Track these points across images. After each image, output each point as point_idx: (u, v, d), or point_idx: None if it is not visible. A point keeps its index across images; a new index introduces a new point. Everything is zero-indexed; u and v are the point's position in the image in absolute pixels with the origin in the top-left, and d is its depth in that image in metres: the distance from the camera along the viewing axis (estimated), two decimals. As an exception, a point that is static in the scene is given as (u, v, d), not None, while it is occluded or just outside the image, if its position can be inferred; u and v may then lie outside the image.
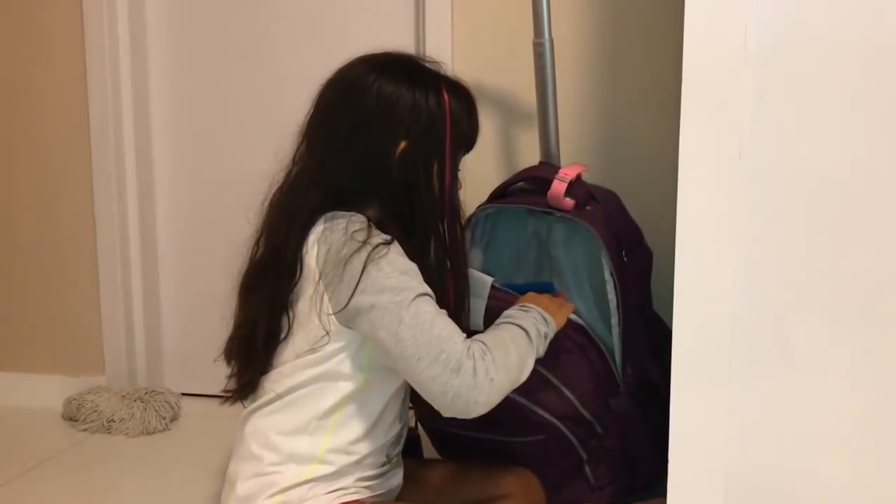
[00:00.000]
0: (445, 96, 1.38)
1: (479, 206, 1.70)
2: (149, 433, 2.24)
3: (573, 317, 1.57)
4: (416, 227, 1.38)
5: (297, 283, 1.35)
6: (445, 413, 1.29)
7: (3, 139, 2.42)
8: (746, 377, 1.28)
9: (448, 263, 1.41)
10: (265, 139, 2.32)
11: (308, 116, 1.42)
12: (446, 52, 2.11)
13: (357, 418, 1.38)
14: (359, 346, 1.35)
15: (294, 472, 1.36)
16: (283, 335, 1.38)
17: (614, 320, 1.61)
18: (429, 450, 1.72)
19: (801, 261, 1.25)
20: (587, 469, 1.63)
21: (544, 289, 1.56)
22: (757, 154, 1.23)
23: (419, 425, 1.66)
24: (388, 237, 1.33)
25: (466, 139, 1.44)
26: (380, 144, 1.36)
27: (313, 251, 1.34)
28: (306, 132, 1.41)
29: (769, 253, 1.26)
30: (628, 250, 1.66)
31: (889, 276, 1.23)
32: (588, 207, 1.63)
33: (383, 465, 1.43)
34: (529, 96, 1.81)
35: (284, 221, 1.38)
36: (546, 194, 1.60)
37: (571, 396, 1.55)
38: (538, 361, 1.43)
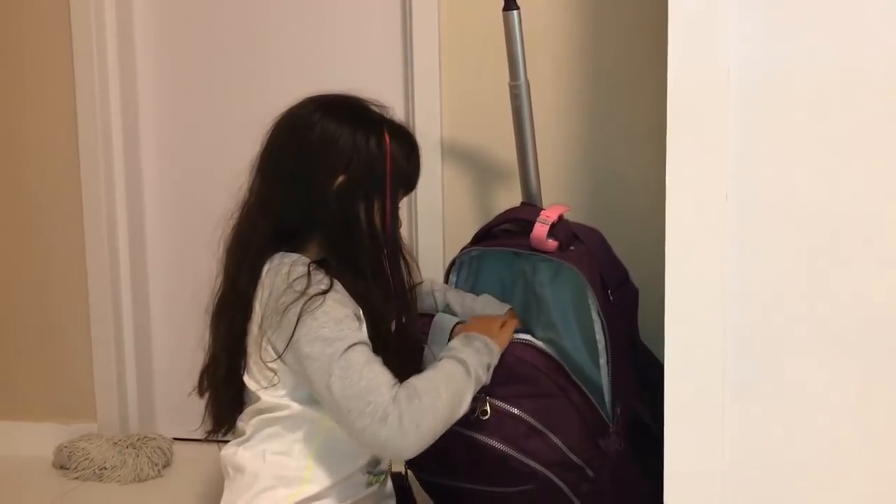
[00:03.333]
0: (387, 138, 1.44)
1: (463, 249, 1.70)
2: (141, 480, 2.22)
3: (552, 353, 1.58)
4: (357, 262, 1.43)
5: (249, 320, 1.43)
6: (381, 457, 1.40)
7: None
8: (740, 414, 1.28)
9: (393, 296, 1.46)
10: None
11: (259, 153, 1.48)
12: (434, 95, 2.12)
13: (334, 439, 1.42)
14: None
15: (283, 495, 1.41)
16: (242, 371, 1.45)
17: (602, 360, 1.60)
18: (422, 497, 1.71)
19: (792, 295, 1.26)
20: (582, 515, 1.62)
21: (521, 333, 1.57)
22: (744, 191, 1.24)
23: (408, 474, 1.66)
24: (326, 284, 1.38)
25: (406, 180, 1.51)
26: (319, 178, 1.42)
27: (258, 292, 1.42)
28: (258, 167, 1.48)
29: (759, 290, 1.26)
30: (614, 289, 1.65)
31: (882, 307, 1.23)
32: (572, 248, 1.63)
33: (369, 484, 1.47)
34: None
35: (238, 255, 1.46)
36: (529, 236, 1.60)
37: (558, 441, 1.53)
38: (523, 409, 1.47)
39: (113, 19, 2.33)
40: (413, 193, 2.14)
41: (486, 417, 1.50)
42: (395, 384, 1.34)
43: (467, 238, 1.75)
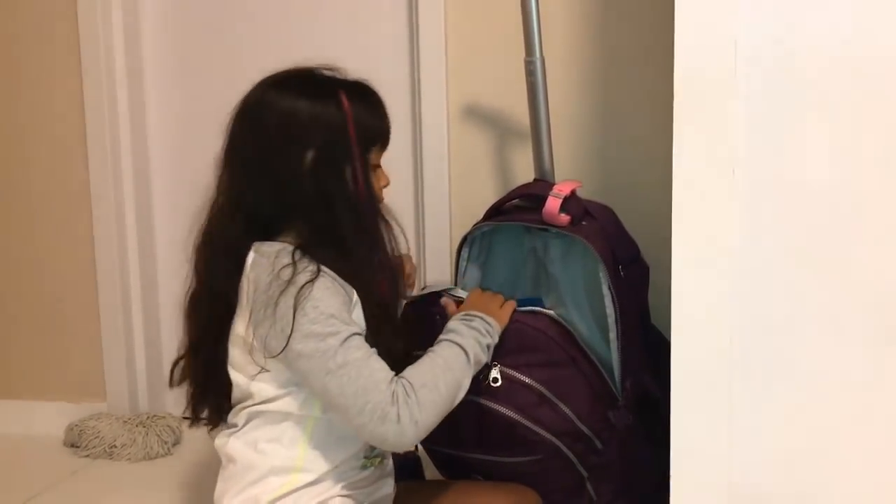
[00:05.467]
0: (343, 99, 1.38)
1: (476, 224, 1.71)
2: (151, 458, 2.23)
3: (564, 323, 1.58)
4: (341, 238, 1.37)
5: (234, 313, 1.38)
6: (382, 448, 1.38)
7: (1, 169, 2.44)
8: (747, 392, 1.28)
9: (378, 267, 1.41)
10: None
11: (222, 147, 1.43)
12: (440, 71, 2.12)
13: (326, 427, 1.39)
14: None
15: (276, 484, 1.38)
16: (230, 361, 1.41)
17: (612, 334, 1.60)
18: (431, 472, 1.72)
19: (799, 273, 1.25)
20: (589, 486, 1.62)
21: (533, 303, 1.57)
22: (752, 168, 1.23)
23: (419, 447, 1.66)
24: (313, 270, 1.33)
25: (376, 135, 1.43)
26: (287, 161, 1.37)
27: (244, 286, 1.37)
28: (223, 162, 1.43)
29: (766, 267, 1.26)
30: (625, 265, 1.65)
31: (889, 286, 1.22)
32: (584, 223, 1.63)
33: (364, 467, 1.44)
34: (524, 114, 1.81)
35: (210, 252, 1.41)
36: (541, 211, 1.60)
37: (568, 411, 1.54)
38: (534, 378, 1.48)
39: (119, 12, 2.34)
40: (419, 174, 2.16)
41: (498, 385, 1.50)
42: (392, 379, 1.31)
43: (475, 216, 1.76)
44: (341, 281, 1.36)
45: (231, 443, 1.43)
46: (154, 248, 2.46)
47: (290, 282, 1.31)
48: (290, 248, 1.36)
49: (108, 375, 2.40)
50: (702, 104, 1.22)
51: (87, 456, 2.25)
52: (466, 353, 1.39)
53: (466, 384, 1.39)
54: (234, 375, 1.41)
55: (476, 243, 1.72)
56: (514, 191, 1.73)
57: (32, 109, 2.39)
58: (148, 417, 2.31)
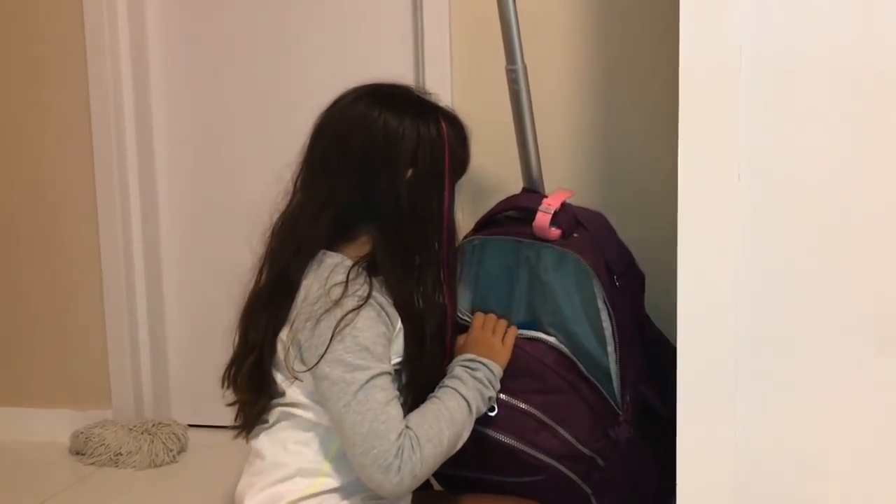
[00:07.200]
0: (444, 126, 1.44)
1: (465, 237, 1.67)
2: (156, 466, 2.25)
3: (563, 349, 1.57)
4: (417, 251, 1.43)
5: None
6: (376, 492, 1.37)
7: (7, 181, 2.45)
8: (752, 395, 1.28)
9: (445, 283, 1.46)
10: (271, 174, 2.33)
11: (310, 147, 1.46)
12: (445, 78, 2.11)
13: None
14: None
15: (301, 485, 1.41)
16: (271, 364, 1.43)
17: (610, 347, 1.58)
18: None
19: (804, 277, 1.25)
20: (593, 502, 1.61)
21: (529, 327, 1.55)
22: (757, 172, 1.23)
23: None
24: (362, 295, 1.36)
25: (462, 165, 1.51)
26: (388, 175, 1.41)
27: (298, 291, 1.39)
28: (310, 163, 1.46)
29: (771, 271, 1.26)
30: (620, 275, 1.63)
31: (893, 289, 1.22)
32: (575, 235, 1.60)
33: None
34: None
35: (291, 248, 1.43)
36: (531, 224, 1.58)
37: (568, 436, 1.53)
38: (531, 405, 1.50)
39: (125, 13, 2.34)
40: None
41: (494, 414, 1.49)
42: (402, 431, 1.33)
43: (465, 228, 1.73)
44: (389, 309, 1.39)
45: (261, 438, 1.45)
46: (159, 255, 2.46)
47: (337, 303, 1.34)
48: (349, 263, 1.39)
49: (113, 383, 2.42)
50: (707, 109, 1.23)
51: (93, 463, 2.27)
52: (469, 406, 1.41)
53: (466, 436, 1.41)
54: (275, 375, 1.43)
55: (466, 256, 1.69)
56: (503, 202, 1.69)
57: (38, 116, 2.40)
58: (153, 425, 2.32)
